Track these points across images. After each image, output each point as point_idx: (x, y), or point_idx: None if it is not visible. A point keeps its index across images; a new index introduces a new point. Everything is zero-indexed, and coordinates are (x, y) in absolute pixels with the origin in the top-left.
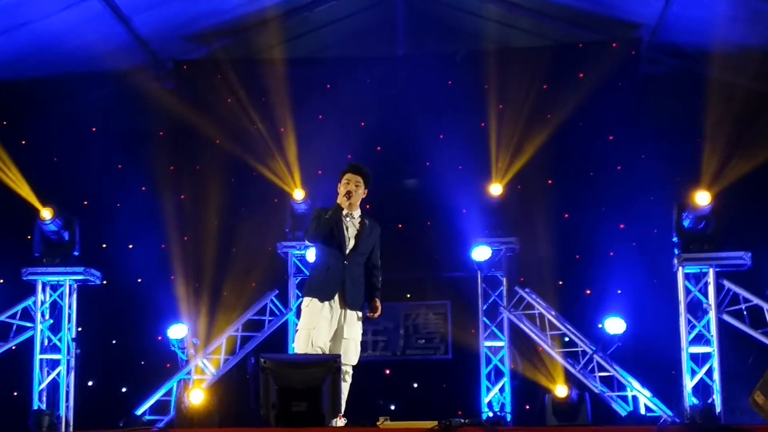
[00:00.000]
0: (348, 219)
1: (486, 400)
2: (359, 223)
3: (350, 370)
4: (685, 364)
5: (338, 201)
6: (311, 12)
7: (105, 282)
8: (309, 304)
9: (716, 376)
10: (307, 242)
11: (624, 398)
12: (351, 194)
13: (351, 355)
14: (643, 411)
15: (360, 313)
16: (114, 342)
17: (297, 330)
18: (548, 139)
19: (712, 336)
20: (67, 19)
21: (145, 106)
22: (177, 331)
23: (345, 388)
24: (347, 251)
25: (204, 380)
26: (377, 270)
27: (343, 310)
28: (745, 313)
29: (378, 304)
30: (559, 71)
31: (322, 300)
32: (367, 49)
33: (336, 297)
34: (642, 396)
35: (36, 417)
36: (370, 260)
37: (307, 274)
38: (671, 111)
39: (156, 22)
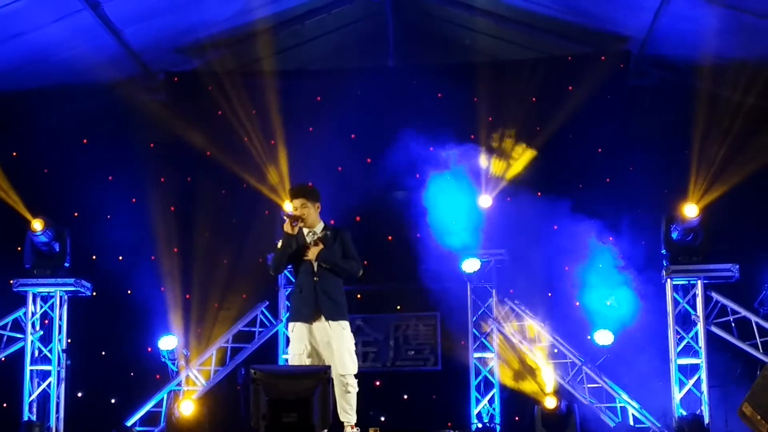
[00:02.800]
0: (310, 236)
1: (475, 412)
2: (321, 237)
3: (351, 380)
4: (674, 375)
5: (284, 228)
6: (302, 24)
7: (95, 293)
8: (293, 329)
9: (704, 387)
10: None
11: (613, 409)
12: (299, 218)
13: (347, 364)
14: (631, 422)
15: (346, 323)
16: (104, 353)
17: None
18: (537, 151)
19: (700, 347)
20: (59, 31)
21: (136, 117)
22: (167, 342)
23: (352, 398)
24: (315, 268)
25: (194, 391)
26: (354, 261)
27: (326, 325)
28: (733, 324)
29: (318, 250)
30: (548, 84)
31: (302, 322)
32: (357, 62)
33: (314, 314)
34: (630, 407)
35: (26, 428)
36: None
37: None
38: (660, 123)
39: (147, 34)
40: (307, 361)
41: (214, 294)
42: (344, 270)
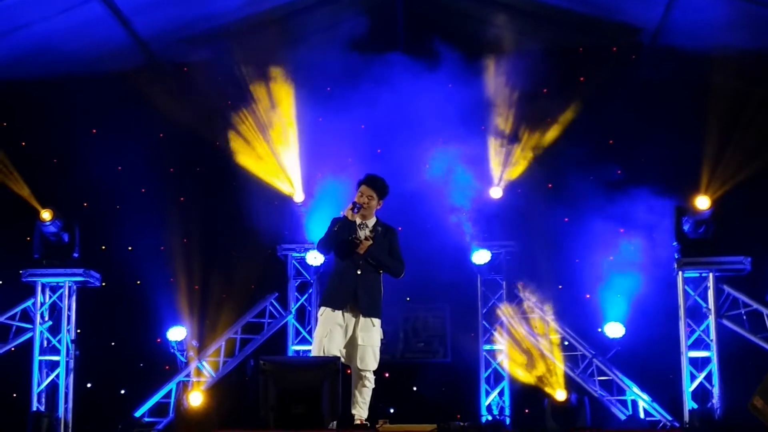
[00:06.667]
0: (361, 228)
1: (485, 404)
2: (372, 231)
3: (370, 376)
4: (685, 368)
5: (345, 212)
6: (312, 15)
7: (104, 284)
8: (323, 313)
9: (715, 380)
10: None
11: (623, 402)
12: (361, 207)
13: (368, 361)
14: (642, 415)
15: (377, 321)
16: (113, 344)
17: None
18: (548, 142)
19: (711, 340)
20: (68, 21)
21: (146, 107)
22: (176, 333)
23: (367, 393)
24: (360, 261)
25: (203, 382)
26: (399, 262)
27: (357, 318)
28: (744, 317)
29: (368, 246)
30: (559, 75)
31: (334, 309)
32: (367, 52)
33: (349, 305)
34: (641, 400)
35: (35, 419)
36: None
37: (307, 276)
38: (671, 115)
39: (156, 24)
40: (329, 347)
41: (223, 285)
42: (388, 269)
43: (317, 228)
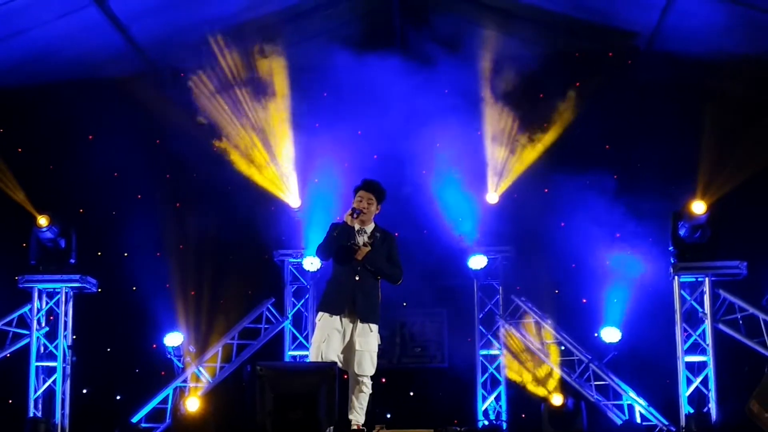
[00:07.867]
0: (360, 234)
1: (482, 409)
2: (371, 237)
3: (367, 381)
4: (681, 373)
5: (345, 218)
6: (309, 20)
7: (101, 290)
8: (321, 318)
9: (712, 385)
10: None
11: (620, 407)
12: (360, 212)
13: (365, 366)
14: (638, 420)
15: (375, 326)
16: (110, 350)
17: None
18: (544, 147)
19: (707, 345)
20: (65, 27)
21: (142, 113)
22: (173, 339)
23: (364, 398)
24: (358, 266)
25: (200, 388)
26: (397, 268)
27: (355, 323)
28: (740, 322)
29: (366, 252)
30: (555, 80)
31: (332, 314)
32: (363, 57)
33: (347, 310)
34: (638, 405)
35: (32, 425)
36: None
37: (303, 282)
38: (667, 120)
39: (154, 29)
40: (327, 352)
41: (219, 290)
42: (386, 276)
43: (314, 234)
